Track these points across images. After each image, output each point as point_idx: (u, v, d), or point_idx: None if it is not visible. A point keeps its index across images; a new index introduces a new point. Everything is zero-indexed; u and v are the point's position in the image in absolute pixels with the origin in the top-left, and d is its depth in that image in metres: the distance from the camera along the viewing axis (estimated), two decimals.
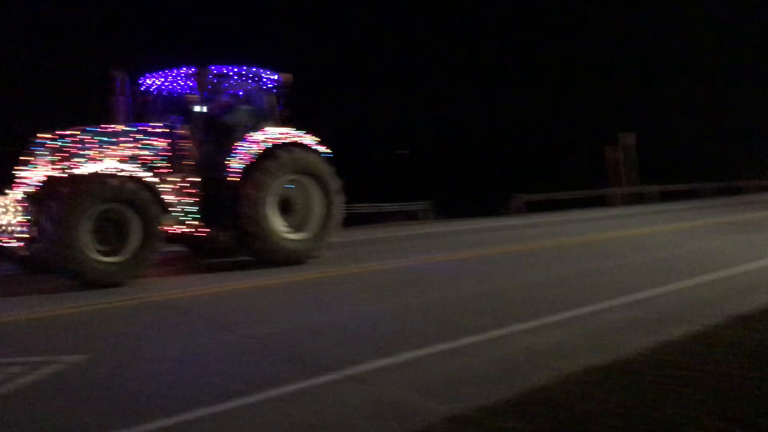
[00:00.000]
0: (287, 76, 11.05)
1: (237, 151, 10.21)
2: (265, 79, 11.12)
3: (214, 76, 10.62)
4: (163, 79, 10.95)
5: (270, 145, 10.27)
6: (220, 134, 10.57)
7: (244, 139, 10.30)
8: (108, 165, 9.01)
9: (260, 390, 4.05)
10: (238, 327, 5.90)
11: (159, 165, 9.69)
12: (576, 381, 4.11)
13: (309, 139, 10.77)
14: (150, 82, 11.01)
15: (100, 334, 5.98)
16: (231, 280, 8.93)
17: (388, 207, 25.43)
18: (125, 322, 6.59)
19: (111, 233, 8.76)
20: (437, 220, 24.33)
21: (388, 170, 34.56)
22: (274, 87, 11.27)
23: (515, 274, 8.89)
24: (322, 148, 10.87)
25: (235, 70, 10.75)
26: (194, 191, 9.87)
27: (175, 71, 10.68)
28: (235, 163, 10.10)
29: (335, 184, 10.86)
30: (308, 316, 6.33)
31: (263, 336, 5.50)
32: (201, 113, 10.43)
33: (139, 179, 9.10)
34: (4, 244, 8.83)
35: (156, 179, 9.41)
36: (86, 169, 8.84)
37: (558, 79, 42.75)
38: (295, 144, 10.54)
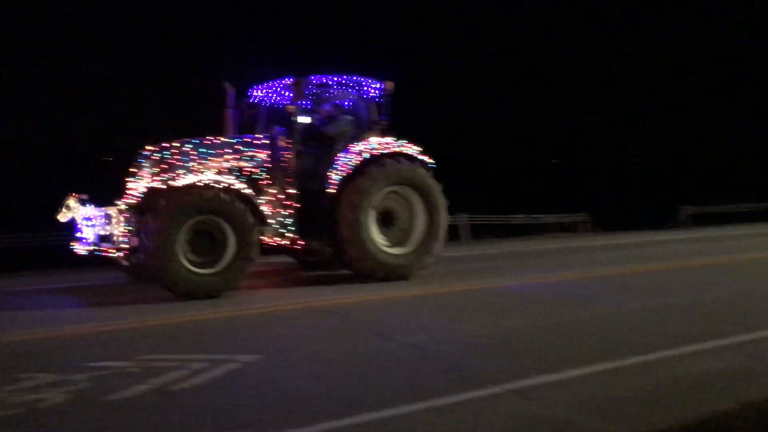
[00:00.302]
0: (390, 84, 10.66)
1: (337, 162, 10.04)
2: (367, 88, 10.81)
3: (314, 86, 10.45)
4: (267, 91, 10.87)
5: (369, 155, 9.99)
6: (321, 145, 10.42)
7: (344, 150, 10.12)
8: (206, 176, 9.02)
9: (421, 399, 4.10)
10: (397, 334, 6.02)
11: (259, 176, 9.65)
12: (757, 409, 3.80)
13: (411, 149, 10.39)
14: (257, 94, 10.97)
15: (271, 335, 6.33)
16: (386, 289, 9.11)
17: (543, 218, 24.84)
18: (292, 324, 6.93)
19: (206, 245, 8.79)
20: (595, 233, 23.47)
21: (544, 180, 33.79)
22: (377, 96, 10.90)
23: (682, 292, 8.37)
24: (425, 159, 10.47)
25: (335, 79, 10.50)
26: (292, 203, 9.72)
27: (279, 82, 10.56)
28: (334, 175, 9.93)
29: (440, 196, 10.41)
30: (463, 327, 6.33)
31: (422, 345, 5.56)
32: (301, 124, 10.24)
33: (234, 190, 9.03)
34: (108, 254, 9.05)
35: (254, 190, 9.37)
36: (185, 180, 8.90)
37: (738, 81, 39.84)
38: (396, 154, 10.18)
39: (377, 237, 9.96)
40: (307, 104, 10.70)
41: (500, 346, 5.55)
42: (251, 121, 10.94)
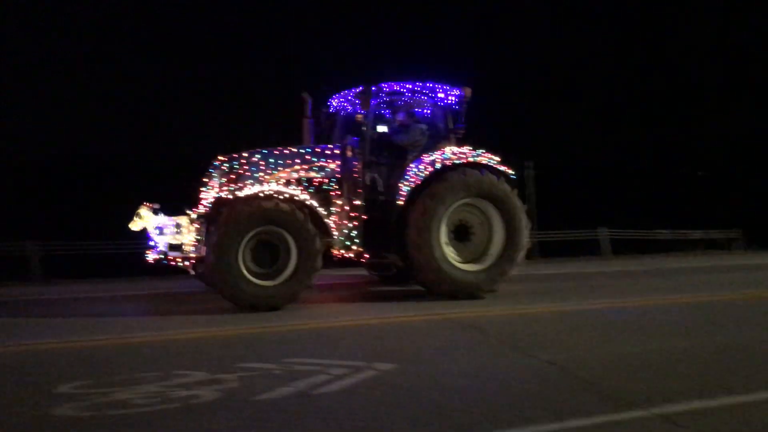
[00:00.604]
0: (467, 90, 10.18)
1: (407, 172, 9.72)
2: (443, 95, 10.36)
3: (386, 94, 10.17)
4: (343, 100, 10.63)
5: (441, 166, 9.58)
6: (393, 155, 10.13)
7: (417, 160, 9.78)
8: (268, 187, 8.97)
9: (560, 419, 3.98)
10: (535, 350, 5.89)
11: (330, 187, 9.52)
12: None
13: (489, 159, 9.85)
14: (334, 103, 10.76)
15: (407, 345, 6.39)
16: (519, 304, 8.95)
17: (691, 234, 23.46)
18: (427, 335, 6.96)
19: (269, 256, 8.77)
20: (749, 251, 21.86)
21: (691, 193, 31.87)
22: (453, 103, 10.42)
23: None
24: (507, 171, 9.90)
25: (408, 86, 10.23)
26: (358, 215, 9.53)
27: (353, 91, 10.34)
28: (404, 186, 9.63)
29: (521, 213, 9.74)
30: (602, 346, 6.09)
31: (561, 362, 5.41)
32: (370, 133, 10.02)
33: (296, 201, 8.93)
34: (176, 263, 9.20)
35: (322, 201, 9.25)
36: (247, 191, 8.87)
37: None
38: (471, 165, 9.67)
39: (447, 249, 9.53)
40: (378, 113, 10.38)
41: (642, 367, 5.29)
42: (329, 131, 10.74)
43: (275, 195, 8.86)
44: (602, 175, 27.90)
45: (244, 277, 8.59)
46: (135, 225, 9.44)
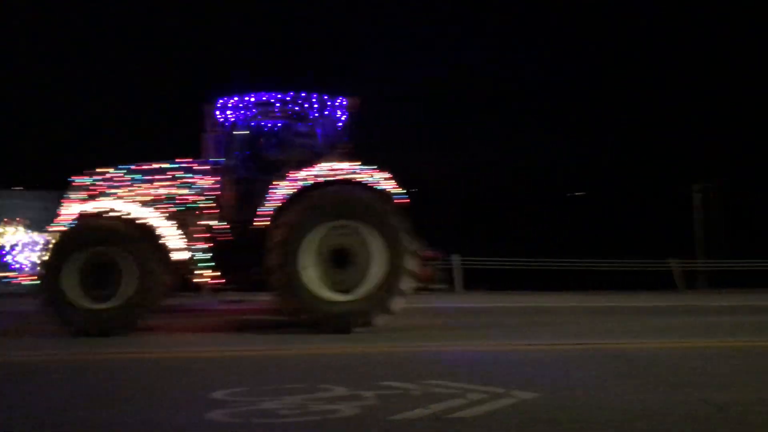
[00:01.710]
0: (353, 101, 9.39)
1: (272, 191, 8.94)
2: (322, 106, 9.52)
3: (255, 105, 9.41)
4: (231, 110, 9.61)
5: (310, 183, 8.80)
6: (267, 171, 9.30)
7: (286, 178, 8.95)
8: (106, 204, 8.66)
9: None
10: (690, 388, 5.46)
11: (198, 205, 9.02)
12: None
13: (370, 176, 8.90)
14: (224, 115, 9.65)
15: (549, 374, 6.17)
16: (686, 336, 8.34)
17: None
18: (574, 365, 6.68)
19: (104, 278, 8.35)
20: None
21: None
22: (336, 114, 9.61)
23: None
24: (388, 188, 8.88)
25: (279, 96, 9.41)
26: (214, 236, 8.95)
27: (230, 100, 9.49)
28: (266, 205, 8.90)
29: (401, 231, 8.64)
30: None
31: (719, 401, 4.98)
32: (237, 147, 9.40)
33: (131, 220, 8.57)
34: (13, 280, 8.99)
35: (180, 221, 8.81)
36: (82, 210, 8.58)
37: None
38: (344, 182, 8.81)
39: (313, 275, 8.60)
40: (252, 125, 9.61)
41: None
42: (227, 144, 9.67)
43: (109, 214, 8.60)
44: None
45: (72, 299, 8.27)
46: None
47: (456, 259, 18.11)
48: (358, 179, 8.90)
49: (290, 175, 8.94)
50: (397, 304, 8.77)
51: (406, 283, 8.72)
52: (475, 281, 18.67)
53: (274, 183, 8.97)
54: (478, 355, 7.22)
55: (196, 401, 4.99)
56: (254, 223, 8.89)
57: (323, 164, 9.05)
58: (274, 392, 5.21)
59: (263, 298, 10.63)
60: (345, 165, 9.06)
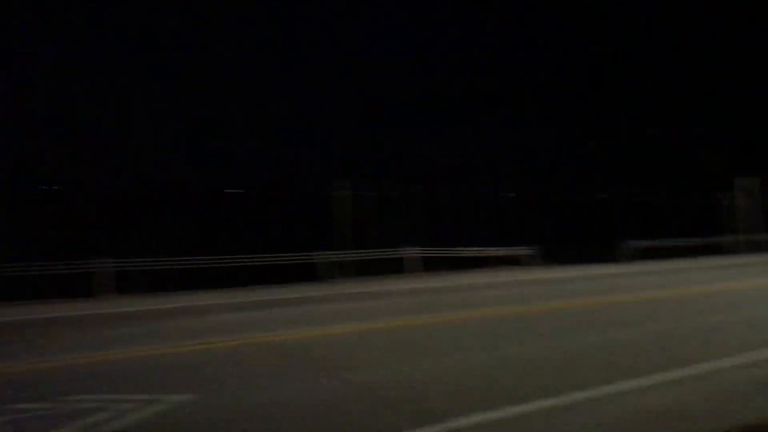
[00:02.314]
0: None
1: None
2: None
3: None
4: None
5: None
6: None
7: None
8: None
9: None
10: (343, 372, 5.86)
11: None
12: None
13: None
14: None
15: (201, 374, 6.10)
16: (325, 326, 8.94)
17: (491, 251, 25.05)
18: (228, 363, 6.71)
19: None
20: (541, 266, 23.74)
21: (493, 213, 34.03)
22: None
23: (624, 325, 8.44)
24: None
25: None
26: None
27: None
28: None
29: None
30: (410, 363, 6.23)
31: (371, 383, 5.42)
32: None
33: None
34: None
35: None
36: None
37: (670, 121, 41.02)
38: None
39: None
40: None
41: (441, 382, 5.46)
42: None
43: None
44: (408, 195, 29.16)
45: None
46: None
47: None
48: None
49: None
50: None
51: None
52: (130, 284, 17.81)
53: None
54: (126, 364, 6.80)
55: None
56: None
57: None
58: None
59: None
60: None
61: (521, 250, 26.17)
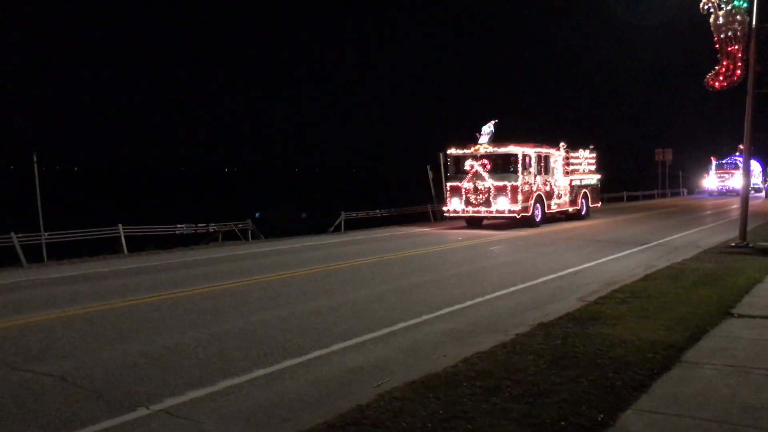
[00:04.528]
0: None
1: None
2: None
3: None
4: None
5: None
6: None
7: None
8: None
9: (61, 429, 3.69)
10: (30, 364, 5.33)
11: None
12: (395, 398, 4.16)
13: None
14: None
15: None
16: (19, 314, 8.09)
17: (207, 227, 24.61)
18: None
19: None
20: (258, 241, 23.99)
21: (209, 188, 33.67)
22: None
23: (334, 292, 8.90)
24: None
25: None
26: None
27: None
28: None
29: None
30: (111, 348, 5.87)
31: (61, 373, 5.01)
32: None
33: None
34: None
35: None
36: None
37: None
38: None
39: None
40: None
41: (150, 364, 5.26)
42: None
43: None
44: (115, 174, 27.62)
45: None
46: None
47: None
48: None
49: None
50: None
51: None
52: None
53: None
54: None
55: None
56: None
57: None
58: None
59: None
60: None
61: (232, 226, 26.00)
